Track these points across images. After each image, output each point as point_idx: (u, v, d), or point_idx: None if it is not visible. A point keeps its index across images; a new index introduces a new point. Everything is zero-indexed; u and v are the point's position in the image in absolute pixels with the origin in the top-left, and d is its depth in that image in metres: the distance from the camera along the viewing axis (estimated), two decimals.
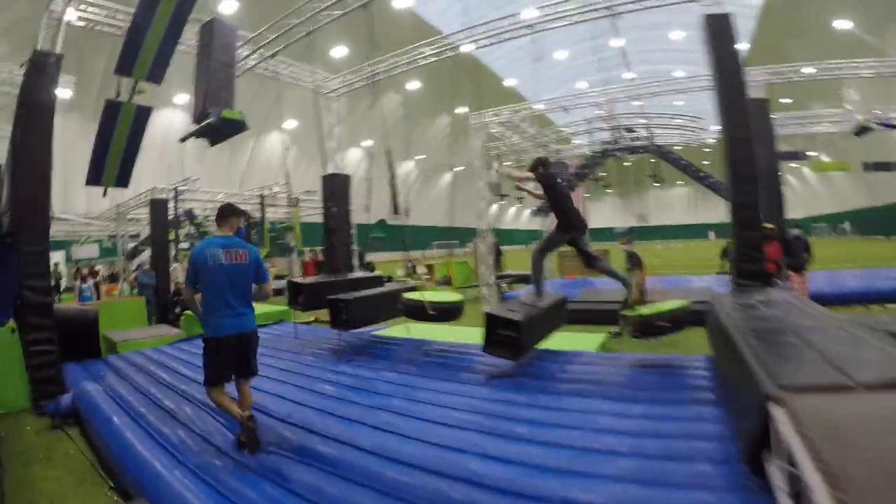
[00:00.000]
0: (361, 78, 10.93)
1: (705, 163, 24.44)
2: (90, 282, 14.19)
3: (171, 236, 19.20)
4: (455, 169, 59.06)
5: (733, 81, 6.32)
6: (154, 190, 14.39)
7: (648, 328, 5.39)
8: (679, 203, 79.93)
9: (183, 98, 35.06)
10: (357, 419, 4.34)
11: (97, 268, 17.53)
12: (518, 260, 21.69)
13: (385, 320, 7.79)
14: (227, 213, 4.30)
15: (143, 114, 7.95)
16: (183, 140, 7.68)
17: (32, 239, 6.52)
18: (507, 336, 5.18)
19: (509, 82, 46.20)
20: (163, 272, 13.11)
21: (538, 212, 18.64)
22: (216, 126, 7.21)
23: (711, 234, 64.34)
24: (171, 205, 16.22)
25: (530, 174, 5.84)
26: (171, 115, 35.61)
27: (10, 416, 6.22)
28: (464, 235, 56.81)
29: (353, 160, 47.79)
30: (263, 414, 4.56)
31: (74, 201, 27.25)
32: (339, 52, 31.32)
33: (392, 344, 7.41)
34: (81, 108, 29.29)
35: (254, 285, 4.19)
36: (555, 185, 5.85)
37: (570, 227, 5.74)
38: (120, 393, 5.74)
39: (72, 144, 29.40)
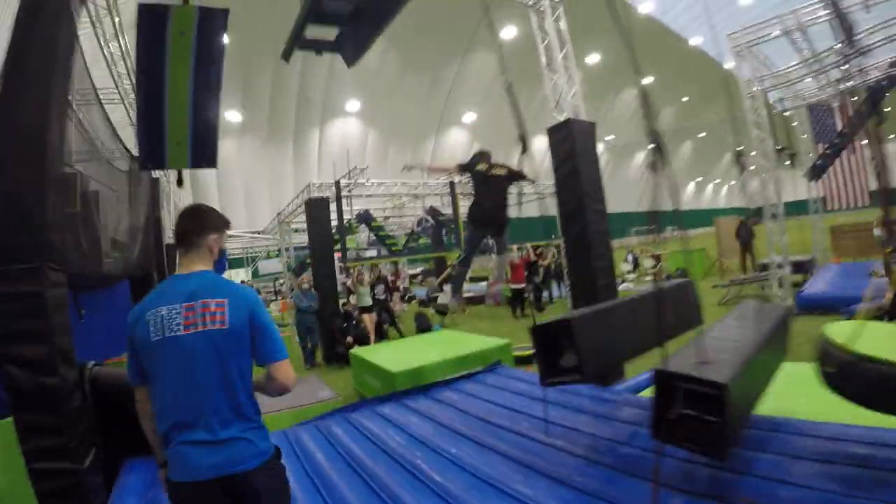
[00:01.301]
0: None
1: None
2: None
3: (349, 244, 16.78)
4: (649, 147, 53.56)
5: None
6: (310, 187, 11.47)
7: None
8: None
9: (355, 105, 34.11)
10: None
11: (255, 287, 15.36)
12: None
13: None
14: (193, 225, 2.12)
15: (215, 22, 4.03)
16: (287, 53, 4.03)
17: (12, 269, 3.33)
18: None
19: (695, 41, 42.66)
20: (328, 291, 10.06)
21: (815, 171, 13.09)
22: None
23: None
24: (346, 207, 13.50)
25: (452, 166, 5.53)
26: (344, 124, 34.80)
27: None
28: (662, 219, 52.44)
29: (538, 148, 44.07)
30: None
31: (258, 216, 27.02)
32: None
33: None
34: (254, 128, 30.20)
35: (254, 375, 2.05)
36: (474, 176, 5.24)
37: (473, 220, 5.28)
38: None
39: (250, 164, 30.57)
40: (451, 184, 14.34)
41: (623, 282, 15.88)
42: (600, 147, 47.53)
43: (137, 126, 4.38)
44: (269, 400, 6.09)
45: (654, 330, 3.19)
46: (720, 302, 11.12)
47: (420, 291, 18.92)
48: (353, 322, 10.21)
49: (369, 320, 10.57)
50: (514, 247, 13.56)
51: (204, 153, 4.49)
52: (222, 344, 1.93)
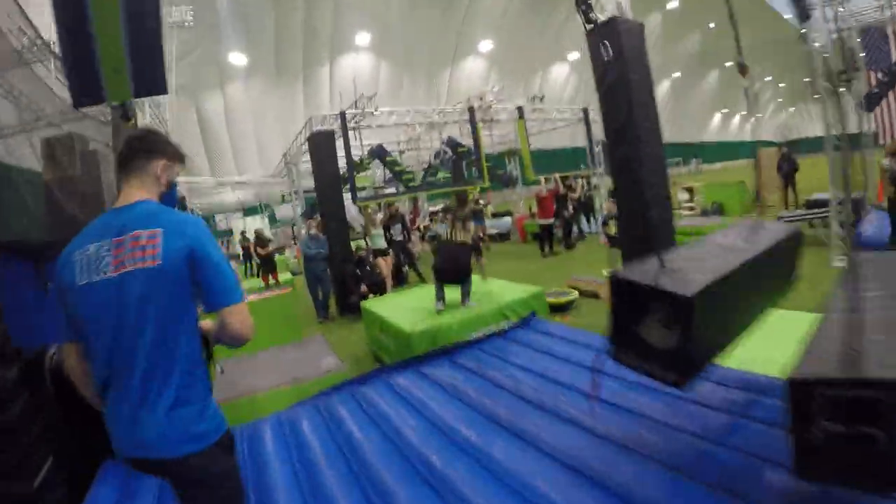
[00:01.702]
0: None
1: None
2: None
3: (363, 182, 15.84)
4: (673, 75, 51.62)
5: None
6: (312, 120, 10.43)
7: None
8: None
9: (365, 38, 32.38)
10: None
11: (266, 234, 14.43)
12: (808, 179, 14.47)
13: None
14: (139, 146, 1.75)
15: None
16: None
17: None
18: None
19: None
20: (337, 234, 9.19)
21: (870, 100, 11.69)
22: None
23: None
24: (356, 142, 12.49)
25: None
26: (355, 58, 33.09)
27: None
28: (685, 151, 51.27)
29: (558, 77, 42.08)
30: None
31: (271, 160, 26.18)
32: None
33: None
34: (260, 69, 29.20)
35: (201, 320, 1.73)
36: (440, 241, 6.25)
37: (438, 275, 5.74)
38: None
39: (259, 107, 29.49)
40: (471, 109, 13.15)
41: None
42: None
43: (63, 58, 3.47)
44: (264, 375, 5.15)
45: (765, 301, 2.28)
46: None
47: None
48: (368, 267, 9.40)
49: (385, 264, 9.75)
50: (542, 178, 12.43)
51: (149, 78, 3.58)
52: (155, 286, 1.56)
